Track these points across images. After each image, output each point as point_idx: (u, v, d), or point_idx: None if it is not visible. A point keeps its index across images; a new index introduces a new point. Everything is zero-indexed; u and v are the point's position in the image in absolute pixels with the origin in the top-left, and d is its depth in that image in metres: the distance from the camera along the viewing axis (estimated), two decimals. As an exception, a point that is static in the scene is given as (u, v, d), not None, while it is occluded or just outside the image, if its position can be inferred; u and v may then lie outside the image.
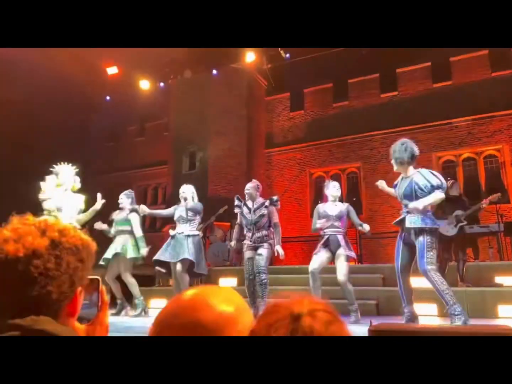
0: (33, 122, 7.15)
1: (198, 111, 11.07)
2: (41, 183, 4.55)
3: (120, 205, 5.68)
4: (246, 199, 4.86)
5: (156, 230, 11.44)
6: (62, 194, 4.54)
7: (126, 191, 5.80)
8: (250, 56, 7.84)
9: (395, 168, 3.95)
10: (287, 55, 7.79)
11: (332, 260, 4.69)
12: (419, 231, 3.69)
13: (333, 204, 4.78)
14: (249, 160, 11.56)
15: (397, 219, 4.05)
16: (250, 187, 4.86)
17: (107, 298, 0.94)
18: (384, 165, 10.98)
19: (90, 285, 0.89)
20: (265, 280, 4.55)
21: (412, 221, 3.74)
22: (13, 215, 0.80)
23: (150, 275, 8.58)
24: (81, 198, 4.71)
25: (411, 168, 3.85)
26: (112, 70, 8.28)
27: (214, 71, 8.34)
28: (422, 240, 3.64)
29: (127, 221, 5.51)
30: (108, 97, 9.29)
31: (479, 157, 10.35)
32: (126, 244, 5.39)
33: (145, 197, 14.16)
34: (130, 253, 5.36)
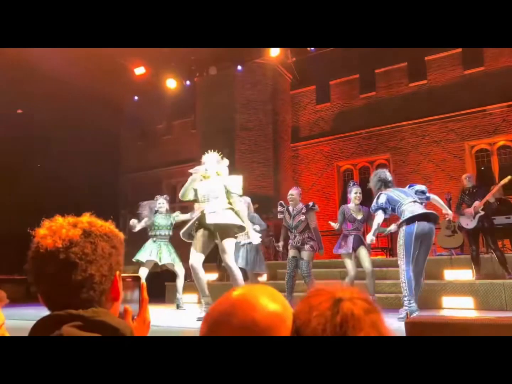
0: (65, 124, 7.40)
1: (224, 107, 11.14)
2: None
3: (160, 209, 5.98)
4: (290, 204, 5.33)
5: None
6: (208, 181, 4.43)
7: (165, 196, 6.15)
8: (274, 50, 7.82)
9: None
10: (312, 48, 7.71)
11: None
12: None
13: (357, 208, 5.40)
14: (275, 154, 11.55)
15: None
16: (294, 193, 5.33)
17: (147, 295, 0.97)
18: (415, 155, 10.73)
19: (131, 282, 0.93)
20: (310, 282, 5.11)
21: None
22: (43, 220, 0.87)
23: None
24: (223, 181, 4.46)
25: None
26: (139, 71, 8.44)
27: (239, 67, 8.36)
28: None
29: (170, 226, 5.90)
30: (136, 97, 9.48)
31: (516, 144, 9.95)
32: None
33: (174, 194, 14.41)
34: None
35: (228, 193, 4.37)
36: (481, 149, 10.32)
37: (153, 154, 14.17)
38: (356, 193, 5.37)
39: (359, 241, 5.34)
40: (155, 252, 5.89)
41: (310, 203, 5.35)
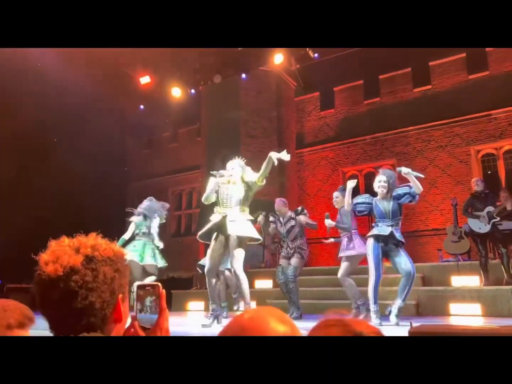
0: (71, 134, 7.48)
1: (229, 115, 11.21)
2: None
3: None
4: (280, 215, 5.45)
5: (192, 233, 11.65)
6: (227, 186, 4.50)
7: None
8: (278, 57, 7.86)
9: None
10: (316, 55, 7.75)
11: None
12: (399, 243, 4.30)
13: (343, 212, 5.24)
14: (280, 161, 11.55)
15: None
16: (277, 205, 5.47)
17: (165, 304, 0.97)
18: (421, 160, 10.69)
19: (151, 291, 0.94)
20: (293, 288, 5.06)
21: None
22: (50, 241, 0.89)
23: (188, 278, 8.77)
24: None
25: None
26: (144, 80, 8.52)
27: (243, 75, 8.41)
28: (402, 249, 4.29)
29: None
30: (142, 106, 9.57)
31: (522, 149, 9.89)
32: None
33: (180, 202, 14.47)
34: None
35: (250, 187, 4.43)
36: (487, 154, 10.26)
37: (159, 162, 14.28)
38: (336, 197, 5.20)
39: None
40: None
41: (299, 208, 5.43)
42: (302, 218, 5.25)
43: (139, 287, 0.92)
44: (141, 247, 5.66)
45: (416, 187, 4.16)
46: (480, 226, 5.71)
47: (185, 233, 13.65)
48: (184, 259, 7.25)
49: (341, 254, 4.92)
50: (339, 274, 4.84)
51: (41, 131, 7.06)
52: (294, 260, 5.16)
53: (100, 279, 0.84)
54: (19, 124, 6.74)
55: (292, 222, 5.25)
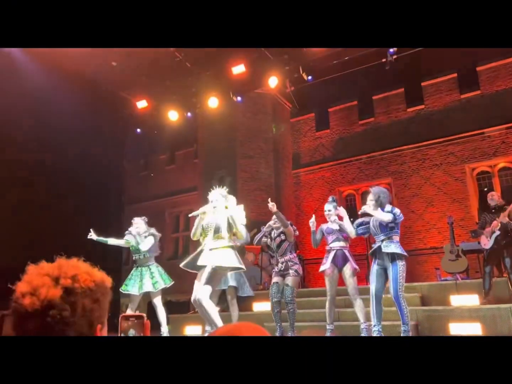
0: (67, 157, 7.51)
1: (225, 137, 11.32)
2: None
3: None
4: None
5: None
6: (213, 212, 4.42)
7: (143, 217, 5.78)
8: (273, 80, 7.99)
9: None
10: (309, 77, 7.89)
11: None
12: (394, 257, 4.14)
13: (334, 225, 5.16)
14: (277, 181, 11.63)
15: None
16: (268, 224, 5.27)
17: (149, 333, 0.97)
18: (416, 179, 10.76)
19: (135, 322, 0.94)
20: (292, 310, 4.85)
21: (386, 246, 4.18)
22: (29, 264, 0.86)
23: (185, 301, 8.67)
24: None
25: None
26: (141, 104, 8.63)
27: (239, 98, 8.54)
28: (396, 266, 4.11)
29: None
30: (138, 130, 9.66)
31: (516, 166, 9.97)
32: None
33: (177, 224, 14.43)
34: None
35: (231, 224, 4.34)
36: (482, 171, 10.34)
37: (156, 184, 14.32)
38: (328, 210, 5.01)
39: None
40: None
41: (287, 222, 5.14)
42: (290, 230, 5.03)
43: (123, 317, 0.92)
44: (138, 276, 5.47)
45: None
46: (485, 242, 5.67)
47: (183, 256, 13.57)
48: (181, 282, 7.16)
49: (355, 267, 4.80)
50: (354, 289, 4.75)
51: (34, 159, 7.06)
52: (289, 280, 4.91)
53: (78, 312, 0.82)
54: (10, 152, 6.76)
55: (282, 236, 5.07)
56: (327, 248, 4.95)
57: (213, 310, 4.15)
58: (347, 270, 4.78)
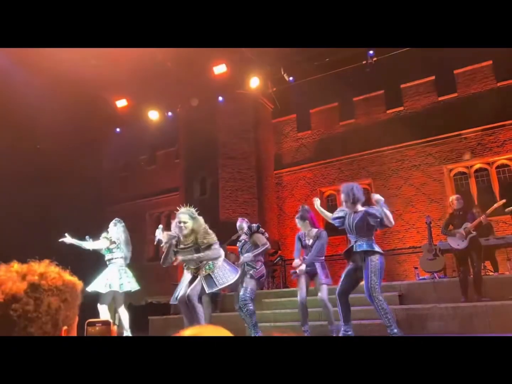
0: (48, 161, 7.36)
1: (207, 137, 11.25)
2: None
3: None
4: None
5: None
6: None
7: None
8: (254, 81, 8.00)
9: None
10: (291, 78, 7.92)
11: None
12: (366, 255, 4.01)
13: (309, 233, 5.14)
14: (259, 182, 11.63)
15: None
16: (238, 223, 5.22)
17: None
18: (395, 180, 10.92)
19: (102, 328, 0.92)
20: (251, 311, 4.69)
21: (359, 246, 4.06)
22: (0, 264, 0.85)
23: (166, 303, 8.57)
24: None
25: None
26: (121, 103, 8.52)
27: (220, 98, 8.51)
28: (368, 264, 3.96)
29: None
30: (118, 129, 9.53)
31: (491, 167, 10.23)
32: None
33: (158, 224, 14.28)
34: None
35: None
36: (459, 172, 10.58)
37: (137, 185, 14.13)
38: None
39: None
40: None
41: (254, 225, 5.02)
42: (259, 238, 4.89)
43: (89, 323, 0.90)
44: (117, 273, 5.36)
45: (387, 218, 3.94)
46: (458, 242, 5.79)
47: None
48: (162, 284, 7.11)
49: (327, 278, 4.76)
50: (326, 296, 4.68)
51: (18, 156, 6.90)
52: (247, 282, 4.77)
53: (43, 309, 0.80)
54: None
55: (245, 237, 4.96)
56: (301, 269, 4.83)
57: (200, 309, 4.14)
58: (318, 280, 4.74)
